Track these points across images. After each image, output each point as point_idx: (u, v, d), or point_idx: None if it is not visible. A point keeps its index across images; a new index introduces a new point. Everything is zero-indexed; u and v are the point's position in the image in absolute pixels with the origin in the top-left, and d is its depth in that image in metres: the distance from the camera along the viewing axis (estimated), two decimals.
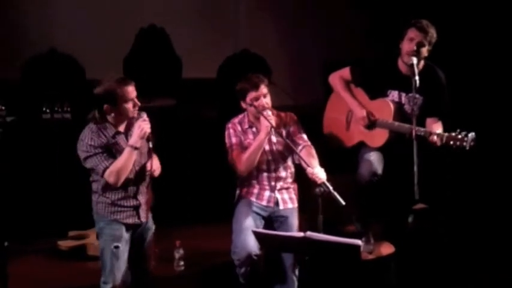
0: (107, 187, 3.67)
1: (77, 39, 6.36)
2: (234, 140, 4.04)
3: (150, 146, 3.70)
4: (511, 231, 5.04)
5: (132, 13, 6.63)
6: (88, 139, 3.60)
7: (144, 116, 3.67)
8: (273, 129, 3.88)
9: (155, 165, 3.79)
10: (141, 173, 3.75)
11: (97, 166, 3.59)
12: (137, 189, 3.75)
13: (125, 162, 3.59)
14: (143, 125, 3.60)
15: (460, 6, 6.12)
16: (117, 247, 3.66)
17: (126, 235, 3.71)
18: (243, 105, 4.03)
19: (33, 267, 4.78)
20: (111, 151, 3.64)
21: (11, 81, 6.08)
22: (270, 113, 3.91)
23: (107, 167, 3.57)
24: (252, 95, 3.96)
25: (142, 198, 3.77)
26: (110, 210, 3.71)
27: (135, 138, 3.60)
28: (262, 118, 3.88)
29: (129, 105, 3.63)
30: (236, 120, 4.12)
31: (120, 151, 3.65)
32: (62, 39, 6.30)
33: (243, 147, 4.01)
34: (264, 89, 3.97)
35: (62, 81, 6.19)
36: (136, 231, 3.77)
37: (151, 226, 3.85)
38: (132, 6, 6.65)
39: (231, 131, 4.08)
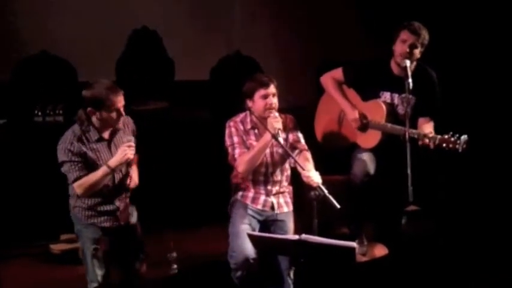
0: None
1: (69, 42, 6.32)
2: (236, 139, 3.96)
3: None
4: (506, 231, 5.05)
5: (125, 15, 6.59)
6: (68, 143, 3.60)
7: (132, 141, 3.65)
8: (280, 132, 3.82)
9: (130, 178, 3.82)
10: (120, 180, 3.76)
11: (69, 173, 3.62)
12: (115, 195, 3.75)
13: (98, 180, 3.61)
14: (128, 152, 3.59)
15: (452, 7, 6.14)
16: (96, 249, 3.69)
17: (105, 237, 3.73)
18: (249, 103, 3.94)
19: (25, 270, 4.75)
20: (90, 157, 3.64)
21: (2, 84, 6.04)
22: (277, 114, 3.86)
23: (78, 178, 3.59)
24: (261, 92, 3.89)
25: (119, 203, 3.77)
26: (87, 215, 3.73)
27: (115, 161, 3.60)
28: (269, 119, 3.82)
29: (113, 114, 3.62)
30: (238, 119, 4.04)
31: (98, 159, 3.65)
32: (53, 42, 6.26)
33: (246, 147, 3.95)
34: (273, 88, 3.91)
35: (53, 84, 6.15)
36: (116, 232, 3.77)
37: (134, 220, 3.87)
38: (124, 9, 6.61)
39: (233, 129, 3.99)
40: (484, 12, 6.05)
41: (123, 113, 3.66)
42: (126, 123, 3.85)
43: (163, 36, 6.69)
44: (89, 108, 3.60)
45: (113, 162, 3.60)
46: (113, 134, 3.74)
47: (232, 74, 6.46)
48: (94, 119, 3.64)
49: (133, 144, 3.63)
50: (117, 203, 3.77)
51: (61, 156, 3.61)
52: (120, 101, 3.61)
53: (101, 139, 3.69)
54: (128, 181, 3.81)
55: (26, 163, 5.32)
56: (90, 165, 3.63)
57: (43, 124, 5.63)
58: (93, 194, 3.67)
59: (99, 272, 3.69)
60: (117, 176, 3.74)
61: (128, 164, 3.76)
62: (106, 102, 3.57)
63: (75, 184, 3.60)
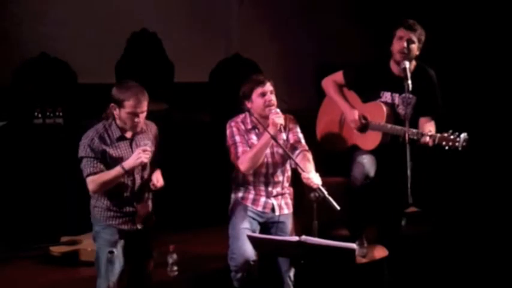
0: (103, 192, 3.69)
1: (69, 44, 6.33)
2: (238, 138, 3.97)
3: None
4: (504, 233, 5.05)
5: (124, 17, 6.60)
6: (89, 140, 3.65)
7: (148, 146, 3.66)
8: (282, 127, 3.82)
9: (157, 179, 3.82)
10: (142, 183, 3.77)
11: (84, 168, 3.64)
12: (134, 197, 3.76)
13: (111, 180, 3.63)
14: (142, 156, 3.61)
15: (451, 7, 6.15)
16: (111, 252, 3.69)
17: (121, 240, 3.73)
18: (248, 104, 3.97)
19: (25, 272, 4.75)
20: (112, 156, 3.66)
21: (2, 86, 6.05)
22: (278, 110, 3.87)
23: (92, 173, 3.60)
24: (258, 90, 3.93)
25: (139, 206, 3.77)
26: (105, 215, 3.74)
27: (128, 164, 3.62)
28: (271, 115, 3.82)
29: (130, 119, 3.64)
30: (239, 119, 4.05)
31: (121, 157, 3.67)
32: (53, 44, 6.27)
33: (248, 146, 3.95)
34: (270, 86, 3.95)
35: (53, 86, 6.16)
36: (133, 236, 3.77)
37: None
38: (124, 11, 6.62)
39: (234, 129, 4.00)
40: (483, 12, 6.06)
41: (141, 120, 3.67)
42: (150, 127, 3.87)
43: (162, 39, 6.71)
44: (112, 104, 3.65)
45: (127, 164, 3.62)
46: (134, 134, 3.76)
47: (232, 76, 6.46)
48: (116, 115, 3.68)
49: (148, 148, 3.64)
50: (137, 205, 3.78)
51: (80, 152, 3.65)
52: (140, 107, 3.62)
53: (122, 138, 3.71)
54: (151, 184, 3.80)
55: (27, 165, 5.32)
56: (113, 163, 3.64)
57: (43, 126, 5.64)
58: (113, 195, 3.69)
59: (112, 278, 3.68)
60: (138, 177, 3.75)
61: (151, 167, 3.80)
62: (125, 105, 3.60)
63: (88, 179, 3.62)
